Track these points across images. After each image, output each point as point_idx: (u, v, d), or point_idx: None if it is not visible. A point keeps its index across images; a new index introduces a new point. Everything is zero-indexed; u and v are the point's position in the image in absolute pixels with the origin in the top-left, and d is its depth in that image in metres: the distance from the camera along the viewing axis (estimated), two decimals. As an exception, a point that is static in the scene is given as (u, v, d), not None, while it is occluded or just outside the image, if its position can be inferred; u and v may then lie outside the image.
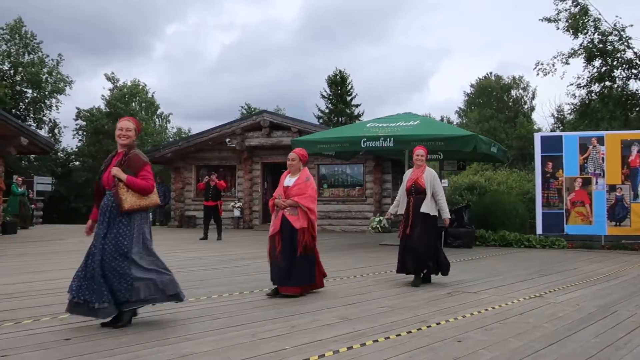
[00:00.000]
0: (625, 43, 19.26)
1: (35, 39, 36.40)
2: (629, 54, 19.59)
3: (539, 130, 34.81)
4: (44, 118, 37.98)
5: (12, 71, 35.83)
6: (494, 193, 17.68)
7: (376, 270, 8.08)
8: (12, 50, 35.60)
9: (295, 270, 5.77)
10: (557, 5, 19.54)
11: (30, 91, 36.74)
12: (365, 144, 11.38)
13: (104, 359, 3.54)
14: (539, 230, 12.76)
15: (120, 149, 4.63)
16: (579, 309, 5.35)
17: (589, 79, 20.46)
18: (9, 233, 15.27)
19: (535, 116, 46.92)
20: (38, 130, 31.96)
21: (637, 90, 20.49)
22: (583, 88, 20.79)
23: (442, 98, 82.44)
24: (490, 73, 51.13)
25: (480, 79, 50.98)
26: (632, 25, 19.18)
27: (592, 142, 12.61)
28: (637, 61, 19.59)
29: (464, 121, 48.63)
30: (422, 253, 6.71)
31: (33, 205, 20.55)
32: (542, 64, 20.33)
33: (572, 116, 25.12)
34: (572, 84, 21.04)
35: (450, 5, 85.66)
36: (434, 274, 6.95)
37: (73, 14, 65.77)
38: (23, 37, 35.93)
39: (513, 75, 51.03)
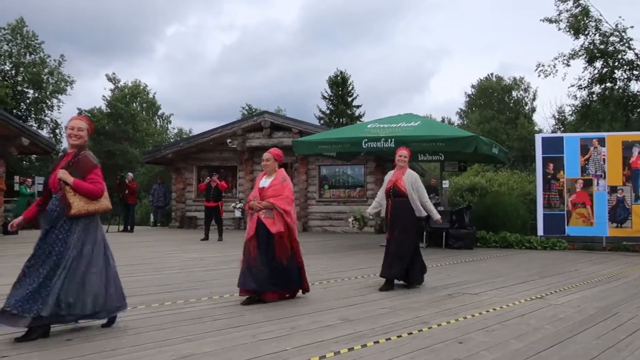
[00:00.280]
0: (627, 44, 19.26)
1: (37, 39, 36.45)
2: (630, 55, 19.59)
3: (540, 131, 34.80)
4: (45, 118, 38.03)
5: (13, 71, 35.87)
6: (495, 194, 17.68)
7: (377, 272, 8.03)
8: (13, 51, 35.64)
9: (279, 275, 5.52)
10: (558, 5, 19.56)
11: (31, 91, 36.78)
12: (366, 144, 11.38)
13: (105, 360, 3.54)
14: (540, 231, 12.75)
15: (70, 150, 4.40)
16: (580, 311, 5.34)
17: (590, 80, 20.47)
18: (10, 233, 15.27)
19: (536, 117, 46.96)
20: (39, 131, 32.00)
21: (638, 91, 20.49)
22: (584, 89, 20.80)
23: (442, 99, 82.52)
24: (491, 74, 51.13)
25: (481, 80, 50.97)
26: (632, 27, 19.21)
27: (593, 144, 12.60)
28: (638, 62, 19.58)
29: (465, 122, 48.62)
30: (400, 257, 6.51)
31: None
32: (543, 66, 20.35)
33: (573, 117, 25.13)
34: (573, 85, 21.06)
35: (450, 5, 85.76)
36: (416, 282, 6.70)
37: (74, 14, 65.92)
38: (24, 37, 35.97)
39: (514, 76, 51.07)
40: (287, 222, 5.62)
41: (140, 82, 45.03)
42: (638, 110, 20.83)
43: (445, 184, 15.21)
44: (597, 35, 19.42)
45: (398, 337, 4.22)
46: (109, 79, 43.53)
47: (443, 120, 49.53)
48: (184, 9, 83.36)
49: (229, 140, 18.77)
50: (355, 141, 11.72)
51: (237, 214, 18.66)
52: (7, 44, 35.61)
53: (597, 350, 3.91)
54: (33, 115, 37.28)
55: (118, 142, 39.34)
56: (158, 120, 48.04)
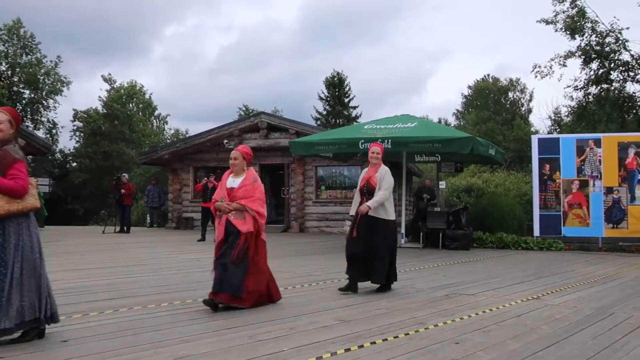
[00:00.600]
0: (622, 45, 19.34)
1: (34, 40, 36.38)
2: (626, 57, 19.67)
3: (536, 132, 34.88)
4: (42, 119, 37.96)
5: (9, 72, 35.78)
6: (492, 195, 17.73)
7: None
8: (9, 51, 35.55)
9: (229, 278, 5.10)
10: (555, 6, 19.63)
11: (27, 92, 36.70)
12: (363, 145, 11.38)
13: (101, 361, 3.54)
14: (537, 232, 12.78)
15: None
16: (577, 311, 5.35)
17: (586, 81, 20.54)
18: None
19: (532, 118, 47.06)
20: (35, 131, 31.91)
21: (634, 92, 20.57)
22: (580, 90, 20.87)
23: (440, 100, 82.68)
24: (488, 75, 51.25)
25: (477, 81, 51.07)
26: (628, 28, 19.29)
27: (589, 145, 12.65)
28: (634, 64, 19.66)
29: (462, 123, 48.71)
30: (365, 260, 6.16)
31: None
32: (539, 67, 20.41)
33: (569, 118, 25.21)
34: (569, 86, 21.14)
35: (449, 7, 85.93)
36: (378, 283, 6.35)
37: (72, 15, 65.81)
38: (21, 38, 35.89)
39: (510, 77, 51.19)
40: (259, 224, 5.31)
41: (136, 83, 45.02)
42: (634, 111, 20.91)
43: (442, 184, 15.25)
44: (594, 36, 19.50)
45: (395, 337, 4.22)
46: (105, 80, 43.50)
47: (439, 121, 49.61)
48: (183, 10, 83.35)
49: (225, 141, 18.75)
50: (352, 142, 11.72)
51: (234, 214, 18.63)
52: (4, 44, 35.54)
53: (593, 351, 3.92)
54: (29, 116, 37.19)
55: (114, 143, 39.27)
56: (154, 120, 47.97)
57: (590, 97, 20.97)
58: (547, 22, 19.78)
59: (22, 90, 36.58)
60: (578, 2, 19.23)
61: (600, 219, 12.37)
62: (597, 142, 12.62)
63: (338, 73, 39.14)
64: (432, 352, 3.83)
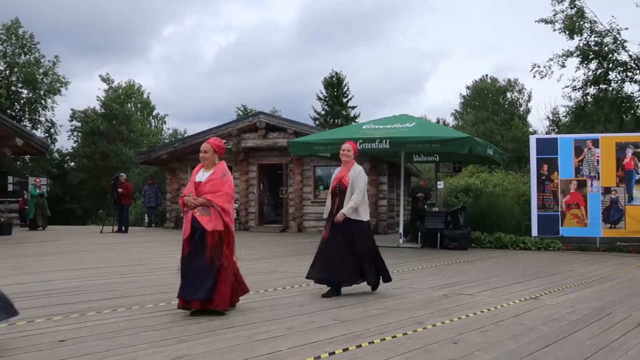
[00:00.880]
0: (621, 45, 19.38)
1: (32, 40, 36.31)
2: (624, 57, 19.71)
3: (535, 132, 34.93)
4: (40, 119, 37.91)
5: (7, 71, 35.72)
6: (490, 195, 17.75)
7: (372, 272, 8.06)
8: (8, 51, 35.49)
9: (198, 281, 4.84)
10: (554, 6, 19.67)
11: (25, 92, 36.64)
12: (361, 145, 11.38)
13: (99, 361, 3.53)
14: (535, 232, 12.79)
15: None
16: (574, 311, 5.36)
17: (584, 82, 20.58)
18: (4, 234, 15.19)
19: (530, 119, 47.16)
20: (33, 131, 31.87)
21: (632, 93, 20.61)
22: (578, 90, 20.91)
23: (438, 100, 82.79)
24: (486, 75, 51.31)
25: (476, 82, 51.12)
26: (627, 29, 19.34)
27: (587, 145, 12.66)
28: (632, 64, 19.70)
29: (460, 123, 48.76)
30: (338, 263, 5.91)
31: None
32: (538, 67, 20.45)
33: (567, 119, 25.25)
34: (567, 87, 21.17)
35: (448, 8, 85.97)
36: (348, 285, 6.16)
37: (70, 15, 65.71)
38: (20, 37, 35.82)
39: (508, 78, 51.25)
40: (225, 222, 4.98)
41: (135, 83, 44.99)
42: (632, 111, 20.95)
43: (440, 184, 15.25)
44: (592, 36, 19.54)
45: (393, 337, 4.22)
46: (103, 80, 43.47)
47: (438, 122, 49.65)
48: (181, 10, 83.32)
49: (224, 141, 18.67)
50: (350, 142, 11.71)
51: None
52: (2, 44, 35.48)
53: (591, 351, 3.93)
54: (27, 116, 37.15)
55: (112, 143, 39.23)
56: (153, 120, 47.93)
57: (588, 97, 21.01)
58: (546, 22, 19.83)
59: (21, 90, 36.53)
60: (577, 2, 19.28)
61: (598, 219, 12.39)
62: (595, 143, 12.64)
63: (337, 73, 39.16)
64: (430, 352, 3.83)
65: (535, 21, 20.15)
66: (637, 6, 19.04)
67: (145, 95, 45.88)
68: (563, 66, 20.08)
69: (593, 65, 20.06)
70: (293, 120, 18.95)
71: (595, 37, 19.52)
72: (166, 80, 79.44)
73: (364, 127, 12.19)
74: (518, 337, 4.30)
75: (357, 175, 6.06)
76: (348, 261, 5.97)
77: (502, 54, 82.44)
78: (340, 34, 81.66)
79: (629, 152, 12.40)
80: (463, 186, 21.76)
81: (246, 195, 19.13)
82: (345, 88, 39.34)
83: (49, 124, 38.46)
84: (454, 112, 54.10)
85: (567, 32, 19.45)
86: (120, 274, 7.59)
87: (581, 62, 20.03)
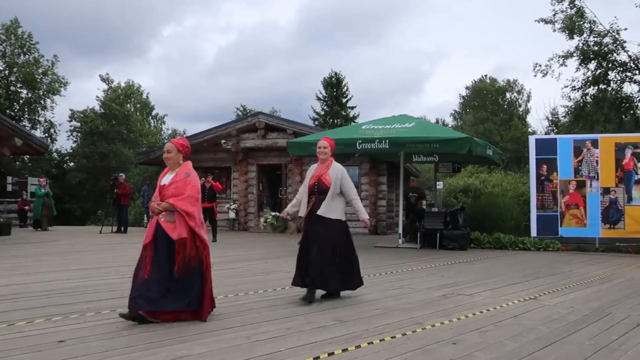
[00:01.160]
0: (620, 46, 19.40)
1: (31, 40, 36.30)
2: (624, 57, 19.73)
3: (534, 133, 34.96)
4: (39, 119, 37.89)
5: (7, 71, 35.70)
6: (489, 195, 17.76)
7: (371, 273, 8.07)
8: (7, 51, 35.47)
9: (177, 292, 4.55)
10: (553, 6, 19.69)
11: (25, 91, 36.63)
12: (360, 145, 11.39)
13: (98, 361, 3.53)
14: (534, 232, 12.80)
15: None
16: (574, 312, 5.36)
17: (583, 82, 20.60)
18: (4, 234, 15.19)
19: (529, 119, 47.20)
20: (33, 131, 31.85)
21: (631, 93, 20.63)
22: (578, 90, 20.94)
23: (437, 101, 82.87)
24: (485, 76, 51.34)
25: (475, 82, 51.14)
26: (626, 29, 19.37)
27: (586, 145, 12.67)
28: (632, 64, 19.72)
29: (459, 124, 48.78)
30: (318, 266, 5.56)
31: (27, 207, 20.44)
32: (539, 65, 20.48)
33: (566, 119, 25.28)
34: (566, 87, 21.19)
35: (447, 8, 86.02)
36: (334, 290, 5.84)
37: (70, 15, 65.69)
38: (19, 37, 35.80)
39: (508, 78, 51.28)
40: (190, 227, 4.65)
41: (134, 83, 44.99)
42: (631, 112, 20.97)
43: (440, 185, 15.26)
44: (592, 36, 19.57)
45: (392, 338, 4.22)
46: (102, 80, 43.48)
47: (437, 122, 49.69)
48: (181, 10, 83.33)
49: (223, 141, 18.74)
50: (349, 142, 11.72)
51: (232, 215, 18.64)
52: (1, 44, 35.46)
53: (590, 351, 3.93)
54: (27, 116, 37.12)
55: (112, 143, 39.22)
56: (152, 121, 47.92)
57: (587, 97, 21.03)
58: (546, 22, 19.85)
59: (20, 90, 36.51)
60: (577, 2, 19.30)
61: (597, 219, 12.39)
62: (595, 143, 12.65)
63: (336, 73, 39.19)
64: (430, 353, 3.83)
65: (535, 21, 20.20)
66: (636, 7, 19.07)
67: (144, 96, 45.88)
68: (565, 65, 20.12)
69: (592, 65, 20.09)
70: (292, 121, 18.95)
71: (594, 37, 19.55)
72: (166, 81, 79.50)
73: (363, 127, 12.19)
74: (517, 337, 4.30)
75: (341, 176, 5.79)
76: (326, 264, 5.60)
77: (502, 55, 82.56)
78: (340, 34, 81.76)
79: (628, 153, 12.40)
80: (462, 186, 21.77)
81: (245, 195, 19.12)
82: (345, 88, 39.37)
83: (48, 124, 38.46)
84: (453, 112, 54.17)
85: (567, 32, 19.47)
86: (120, 274, 7.58)
87: (581, 63, 20.05)
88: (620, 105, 20.47)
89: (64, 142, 63.01)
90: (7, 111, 33.44)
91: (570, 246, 12.36)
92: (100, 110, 41.04)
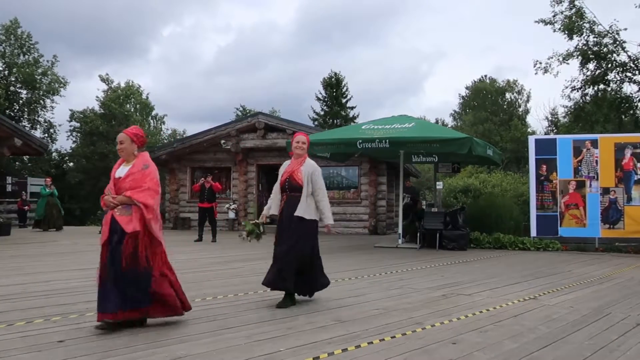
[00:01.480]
0: (620, 46, 19.41)
1: (31, 40, 36.29)
2: (623, 57, 19.74)
3: (533, 133, 34.96)
4: (39, 119, 37.88)
5: (6, 71, 35.69)
6: (489, 195, 17.76)
7: (370, 273, 8.08)
8: (6, 51, 35.46)
9: (119, 289, 4.25)
10: (553, 7, 19.70)
11: (24, 92, 36.62)
12: (361, 145, 11.40)
13: (98, 361, 3.53)
14: (533, 232, 12.80)
15: None
16: (573, 311, 5.36)
17: (583, 82, 20.61)
18: (3, 234, 15.18)
19: (529, 119, 47.21)
20: (32, 131, 31.84)
21: (631, 93, 20.64)
22: (577, 91, 20.94)
23: (437, 101, 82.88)
24: (485, 76, 51.35)
25: (475, 82, 51.15)
26: (626, 29, 19.38)
27: (586, 145, 12.67)
28: (631, 64, 19.72)
29: (459, 124, 48.79)
30: (287, 267, 5.35)
31: (27, 207, 20.44)
32: (540, 63, 20.49)
33: (566, 119, 25.29)
34: (567, 87, 21.20)
35: (447, 9, 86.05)
36: (304, 295, 5.65)
37: (69, 15, 65.68)
38: (18, 37, 35.80)
39: (508, 79, 51.31)
40: (146, 220, 4.40)
41: (134, 83, 44.98)
42: (631, 112, 20.98)
43: (439, 185, 15.27)
44: (592, 36, 19.58)
45: (392, 337, 4.22)
46: (102, 80, 43.47)
47: (437, 122, 49.69)
48: (180, 10, 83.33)
49: (223, 141, 18.74)
50: (349, 142, 11.73)
51: (231, 215, 18.65)
52: (0, 44, 35.45)
53: (589, 351, 3.93)
54: (26, 116, 37.12)
55: (111, 143, 39.20)
56: (152, 121, 47.91)
57: (587, 97, 21.04)
58: (546, 23, 19.86)
59: (19, 90, 36.50)
60: (576, 3, 19.31)
61: (597, 219, 12.39)
62: (594, 143, 12.65)
63: (335, 74, 39.23)
64: (430, 352, 3.83)
65: (535, 21, 20.21)
66: (636, 7, 19.08)
67: (144, 96, 45.86)
68: (566, 63, 20.11)
69: (592, 65, 20.10)
70: (292, 121, 18.97)
71: (594, 37, 19.56)
72: (165, 81, 79.51)
73: (363, 127, 12.19)
74: (517, 337, 4.30)
75: (313, 173, 5.53)
76: (294, 266, 5.38)
77: (502, 55, 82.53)
78: (339, 34, 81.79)
79: (628, 153, 12.41)
80: (462, 186, 21.77)
81: (245, 195, 19.12)
82: (344, 88, 39.40)
83: (48, 125, 38.45)
84: (453, 112, 54.18)
85: (567, 33, 19.48)
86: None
87: (581, 63, 20.07)
88: (620, 106, 20.47)
89: (64, 143, 63.01)
90: (7, 111, 33.44)
91: (569, 246, 12.36)
92: (99, 110, 41.03)
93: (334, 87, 38.84)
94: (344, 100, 39.24)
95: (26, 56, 36.29)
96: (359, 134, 11.69)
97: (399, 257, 10.37)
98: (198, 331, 4.33)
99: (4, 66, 35.61)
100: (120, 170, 4.57)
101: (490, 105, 47.79)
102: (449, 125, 49.40)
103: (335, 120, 38.23)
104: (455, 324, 4.75)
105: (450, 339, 4.21)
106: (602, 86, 20.48)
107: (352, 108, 39.60)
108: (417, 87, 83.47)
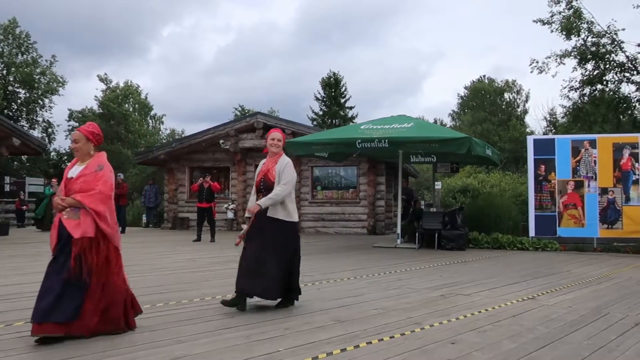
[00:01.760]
0: (618, 46, 19.43)
1: (29, 40, 36.23)
2: (621, 58, 19.76)
3: (532, 133, 34.99)
4: (37, 119, 37.82)
5: (4, 71, 35.64)
6: (487, 196, 17.78)
7: (369, 272, 8.08)
8: (4, 51, 35.41)
9: (61, 300, 3.88)
10: (551, 7, 19.72)
11: (23, 91, 36.57)
12: (360, 145, 11.40)
13: (97, 361, 3.52)
14: (532, 232, 12.81)
15: None
16: (572, 311, 5.37)
17: (581, 82, 20.62)
18: (1, 234, 15.16)
19: (528, 119, 47.26)
20: (31, 131, 31.79)
21: (629, 93, 20.66)
22: (576, 91, 20.95)
23: (436, 101, 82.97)
24: (484, 76, 51.39)
25: (473, 82, 51.18)
26: (624, 29, 19.39)
27: (584, 145, 12.68)
28: (629, 65, 19.75)
29: (457, 124, 48.81)
30: (256, 269, 5.04)
31: (25, 207, 20.42)
32: (537, 62, 20.51)
33: (564, 119, 25.31)
34: (565, 87, 21.21)
35: (446, 9, 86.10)
36: (272, 299, 5.24)
37: (68, 14, 65.57)
38: (17, 37, 35.74)
39: (506, 79, 51.33)
40: (99, 227, 4.04)
41: (132, 83, 44.92)
42: (629, 112, 21.00)
43: (438, 185, 15.27)
44: (590, 37, 19.59)
45: (390, 337, 4.22)
46: (101, 80, 43.39)
47: (435, 122, 49.70)
48: (180, 10, 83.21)
49: (221, 141, 18.74)
50: (349, 142, 11.73)
51: (230, 215, 18.64)
52: (-1, 44, 35.41)
53: (588, 351, 3.94)
54: (24, 116, 37.06)
55: (110, 143, 39.15)
56: (150, 121, 47.85)
57: (585, 98, 21.06)
58: (544, 23, 19.87)
59: (18, 90, 36.44)
60: (574, 3, 19.33)
61: (595, 219, 12.41)
62: (592, 143, 12.66)
63: (334, 74, 39.20)
64: (428, 352, 3.83)
65: (533, 21, 20.24)
66: (634, 7, 19.10)
67: (143, 96, 45.80)
68: (562, 63, 20.14)
69: (590, 65, 20.12)
70: (291, 121, 18.97)
71: (592, 37, 19.58)
72: (164, 81, 79.35)
73: (362, 127, 12.19)
74: (516, 337, 4.31)
75: (284, 167, 5.26)
76: (271, 271, 5.05)
77: (500, 55, 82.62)
78: (338, 34, 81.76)
79: (626, 153, 12.42)
80: (460, 186, 21.78)
81: (244, 195, 19.10)
82: (343, 88, 39.39)
83: (46, 124, 38.38)
84: (452, 112, 54.20)
85: (565, 33, 19.50)
86: (118, 274, 7.57)
87: (578, 63, 20.08)
88: (618, 106, 20.50)
89: (62, 142, 62.83)
90: (5, 111, 33.39)
91: (568, 246, 12.38)
92: (98, 110, 40.97)
93: (332, 87, 38.84)
94: (342, 100, 39.23)
95: (24, 56, 36.23)
96: (358, 133, 11.70)
97: (398, 257, 10.38)
98: (197, 331, 4.33)
99: (2, 66, 35.54)
100: (74, 170, 4.24)
101: (489, 106, 47.82)
102: (448, 125, 49.41)
103: (334, 120, 38.23)
104: (454, 324, 4.75)
105: (449, 339, 4.21)
106: (600, 86, 20.50)
107: (350, 108, 39.61)
108: (415, 87, 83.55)
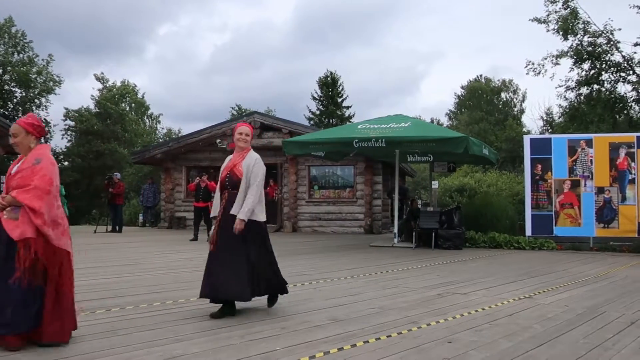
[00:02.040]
0: (614, 46, 19.47)
1: (25, 39, 36.13)
2: (618, 57, 19.79)
3: (529, 132, 35.05)
4: (33, 118, 37.68)
5: (0, 70, 35.52)
6: (484, 195, 17.79)
7: (366, 272, 8.08)
8: (0, 50, 35.28)
9: (10, 307, 3.61)
10: (547, 7, 19.74)
11: (19, 91, 36.45)
12: (357, 144, 11.40)
13: (93, 361, 3.51)
14: (529, 231, 12.84)
15: None
16: (568, 310, 5.38)
17: (577, 82, 20.65)
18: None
19: (524, 119, 47.31)
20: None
21: (625, 93, 20.71)
22: (572, 90, 20.98)
23: (433, 101, 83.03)
24: (481, 76, 51.47)
25: (470, 82, 51.25)
26: (620, 29, 19.41)
27: (580, 145, 12.72)
28: (625, 64, 19.79)
29: (454, 123, 48.88)
30: (223, 272, 4.77)
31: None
32: (532, 64, 20.53)
33: (561, 119, 25.36)
34: (561, 86, 21.24)
35: (443, 9, 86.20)
36: (245, 300, 4.85)
37: (65, 14, 65.44)
38: (13, 36, 35.62)
39: (503, 78, 51.44)
40: (37, 226, 3.69)
41: (129, 82, 44.83)
42: (625, 112, 21.04)
43: (435, 184, 15.28)
44: (586, 36, 19.62)
45: (387, 336, 4.22)
46: (97, 79, 43.29)
47: (432, 122, 49.77)
48: (176, 9, 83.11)
49: (218, 141, 18.70)
50: (345, 141, 11.73)
51: (227, 214, 18.59)
52: (-6, 43, 35.28)
53: (584, 349, 3.94)
54: (20, 115, 36.94)
55: (107, 142, 39.09)
56: (147, 120, 47.78)
57: (581, 97, 21.09)
58: (540, 22, 19.88)
59: (14, 89, 36.32)
60: (570, 3, 19.35)
61: (592, 218, 12.44)
62: (589, 143, 12.70)
63: (331, 73, 39.19)
64: (425, 351, 3.83)
65: (529, 20, 20.21)
66: (630, 7, 19.14)
67: (139, 95, 45.71)
68: (558, 64, 20.16)
69: (586, 65, 20.15)
70: (288, 120, 18.96)
71: (588, 37, 19.61)
72: (161, 80, 79.29)
73: (359, 126, 12.19)
74: (512, 336, 4.31)
75: (253, 165, 4.94)
76: (241, 272, 4.76)
77: (497, 55, 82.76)
78: (335, 33, 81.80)
79: (622, 152, 12.46)
80: (457, 186, 21.80)
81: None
82: (340, 88, 39.37)
83: (43, 123, 38.29)
84: (449, 112, 54.28)
85: (561, 33, 19.52)
86: (115, 274, 7.56)
87: (575, 63, 20.11)
88: (614, 105, 20.53)
89: (59, 141, 62.68)
90: (1, 110, 33.28)
91: (564, 245, 12.41)
92: (95, 109, 40.89)
93: (329, 87, 38.82)
94: (339, 100, 39.21)
95: (20, 55, 36.11)
96: (355, 133, 11.70)
97: (395, 256, 10.38)
98: (193, 330, 4.32)
99: (-3, 65, 35.43)
100: (16, 166, 3.92)
101: (486, 105, 47.90)
102: (445, 125, 49.48)
103: (331, 120, 38.20)
104: (451, 322, 4.75)
105: (446, 337, 4.22)
106: (596, 86, 20.54)
107: (347, 107, 39.60)
108: (412, 87, 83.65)
